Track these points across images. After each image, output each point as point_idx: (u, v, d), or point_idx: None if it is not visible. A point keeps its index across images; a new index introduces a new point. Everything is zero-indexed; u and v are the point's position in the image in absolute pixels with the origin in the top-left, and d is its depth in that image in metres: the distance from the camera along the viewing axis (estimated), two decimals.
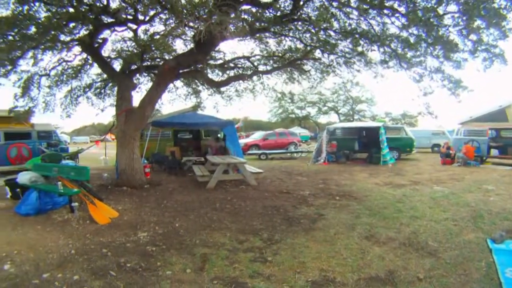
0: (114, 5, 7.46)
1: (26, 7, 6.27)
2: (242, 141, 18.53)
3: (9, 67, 7.51)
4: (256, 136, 22.66)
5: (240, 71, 10.60)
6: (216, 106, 12.21)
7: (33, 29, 6.48)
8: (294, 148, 20.33)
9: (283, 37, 8.65)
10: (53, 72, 9.74)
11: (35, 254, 4.12)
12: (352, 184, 8.46)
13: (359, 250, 3.87)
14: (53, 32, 6.54)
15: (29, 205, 5.79)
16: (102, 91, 11.80)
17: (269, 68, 10.21)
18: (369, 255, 3.71)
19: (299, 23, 7.61)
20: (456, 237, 4.32)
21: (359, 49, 7.91)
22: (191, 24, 6.00)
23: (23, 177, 6.59)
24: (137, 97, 9.47)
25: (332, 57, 8.85)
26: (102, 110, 12.08)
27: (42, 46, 7.19)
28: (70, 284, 3.31)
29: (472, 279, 3.16)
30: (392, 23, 6.73)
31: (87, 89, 11.31)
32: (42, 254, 4.10)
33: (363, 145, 15.31)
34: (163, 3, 6.18)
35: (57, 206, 6.08)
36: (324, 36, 7.75)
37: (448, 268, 3.38)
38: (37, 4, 6.50)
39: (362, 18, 6.89)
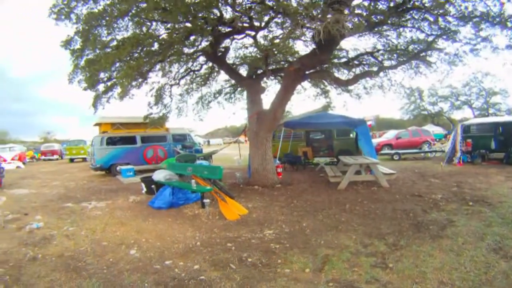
0: (228, 15, 7.78)
1: (144, 28, 7.04)
2: (375, 141, 17.45)
3: (140, 80, 8.49)
4: (389, 135, 21.09)
5: (366, 68, 9.91)
6: (345, 105, 11.78)
7: (156, 45, 7.22)
8: (428, 147, 18.62)
9: (402, 29, 8.09)
10: (182, 82, 10.52)
11: (161, 243, 4.31)
12: (487, 188, 7.51)
13: (484, 263, 3.51)
14: (176, 46, 7.14)
15: (162, 199, 6.28)
16: (232, 95, 12.26)
17: (394, 62, 9.32)
18: (494, 270, 3.35)
19: (414, 11, 7.13)
20: None
21: (482, 33, 7.08)
22: (307, 25, 5.80)
23: (159, 175, 7.34)
24: (266, 100, 9.62)
25: (456, 45, 7.93)
26: (234, 113, 12.97)
27: (169, 60, 7.95)
28: (189, 272, 3.34)
29: None
30: (509, 0, 6.10)
31: (217, 95, 11.89)
32: (168, 243, 4.26)
33: (500, 143, 13.04)
34: (275, 8, 6.13)
35: (189, 201, 6.43)
36: (443, 23, 7.18)
37: None
38: (154, 23, 7.22)
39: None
